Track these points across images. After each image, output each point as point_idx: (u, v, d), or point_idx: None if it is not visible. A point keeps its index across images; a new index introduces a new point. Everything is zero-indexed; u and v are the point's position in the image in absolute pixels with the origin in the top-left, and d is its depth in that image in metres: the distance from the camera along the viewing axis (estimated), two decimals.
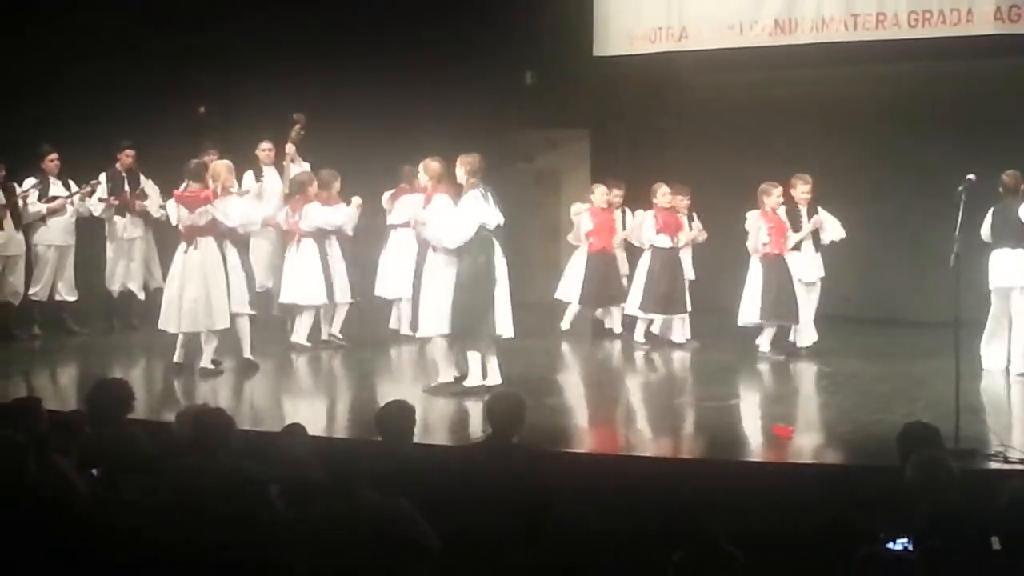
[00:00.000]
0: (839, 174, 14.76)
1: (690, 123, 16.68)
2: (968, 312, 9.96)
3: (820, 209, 13.55)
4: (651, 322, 14.39)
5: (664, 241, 14.25)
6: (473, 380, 11.48)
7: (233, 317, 12.59)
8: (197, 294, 12.40)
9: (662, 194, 14.26)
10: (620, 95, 16.90)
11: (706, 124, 16.48)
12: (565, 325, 15.20)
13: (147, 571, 6.01)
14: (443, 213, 11.46)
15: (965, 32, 14.30)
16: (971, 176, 9.83)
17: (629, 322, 14.70)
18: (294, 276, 14.07)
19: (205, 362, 12.57)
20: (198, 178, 12.57)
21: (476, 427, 10.35)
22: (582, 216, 14.99)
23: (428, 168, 11.73)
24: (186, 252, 12.49)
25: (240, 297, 12.68)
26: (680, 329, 14.38)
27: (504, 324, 11.49)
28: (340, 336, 14.41)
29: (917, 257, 14.79)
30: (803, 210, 13.54)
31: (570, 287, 15.14)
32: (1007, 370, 12.28)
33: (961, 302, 9.59)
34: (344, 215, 14.19)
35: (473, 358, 11.51)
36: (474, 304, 11.32)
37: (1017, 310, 12.23)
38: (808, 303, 13.56)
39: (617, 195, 15.04)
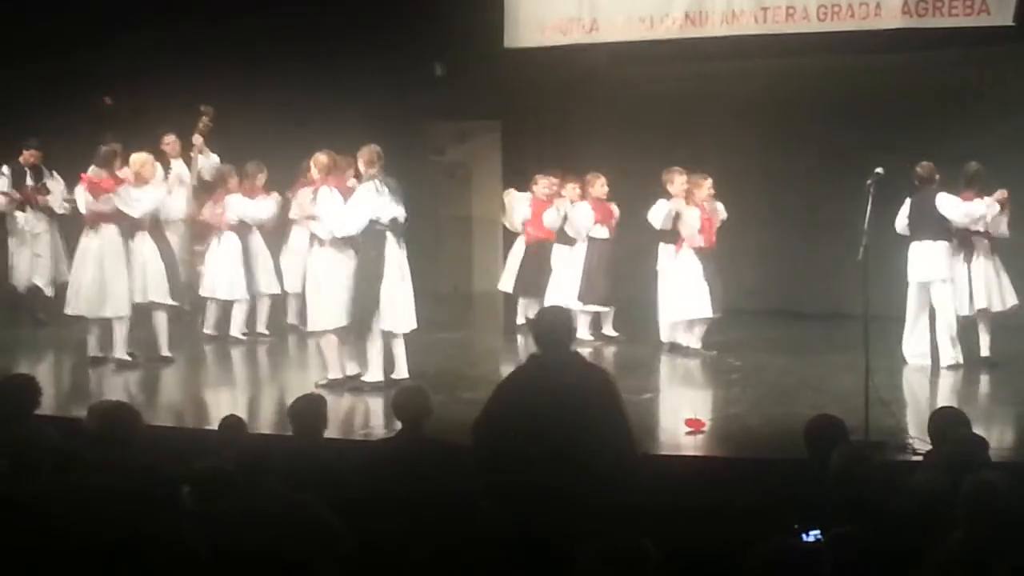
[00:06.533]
0: (748, 166, 14.85)
1: (601, 115, 16.67)
2: (878, 305, 10.01)
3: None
4: (596, 315, 14.28)
5: (602, 232, 14.17)
6: (372, 376, 11.40)
7: (151, 309, 12.69)
8: (93, 279, 12.38)
9: (600, 185, 14.17)
10: (531, 86, 16.85)
11: (617, 116, 16.49)
12: (520, 319, 14.75)
13: (51, 567, 5.92)
14: (329, 206, 11.42)
15: (874, 26, 14.41)
16: (879, 169, 9.92)
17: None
18: (215, 269, 13.98)
19: (120, 353, 12.47)
20: (106, 164, 12.51)
21: (376, 423, 10.41)
22: (516, 202, 14.75)
23: (316, 162, 11.71)
24: (87, 236, 12.52)
25: (159, 288, 12.69)
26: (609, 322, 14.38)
27: (399, 319, 11.37)
28: (266, 331, 14.31)
29: (828, 250, 14.86)
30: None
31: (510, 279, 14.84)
32: (930, 364, 12.28)
33: (871, 295, 9.68)
34: (266, 209, 14.11)
35: (372, 353, 11.43)
36: (362, 299, 11.26)
37: (938, 302, 12.26)
38: None
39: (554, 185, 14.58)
